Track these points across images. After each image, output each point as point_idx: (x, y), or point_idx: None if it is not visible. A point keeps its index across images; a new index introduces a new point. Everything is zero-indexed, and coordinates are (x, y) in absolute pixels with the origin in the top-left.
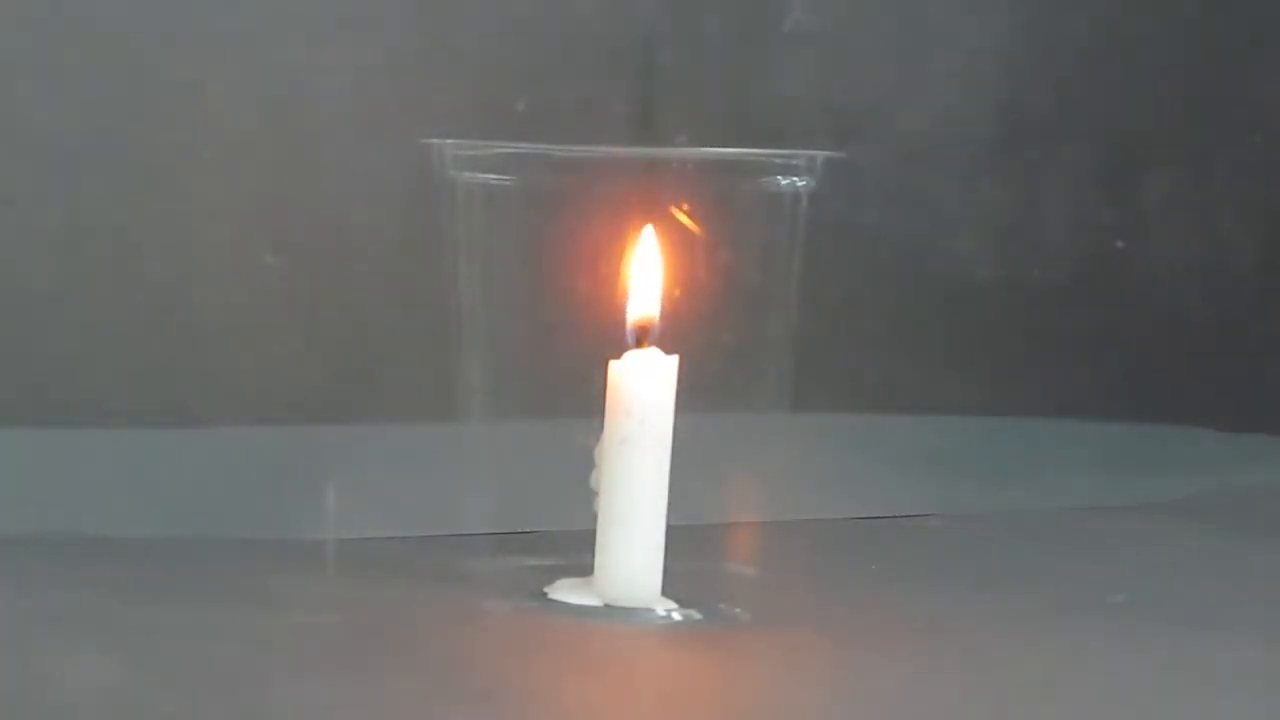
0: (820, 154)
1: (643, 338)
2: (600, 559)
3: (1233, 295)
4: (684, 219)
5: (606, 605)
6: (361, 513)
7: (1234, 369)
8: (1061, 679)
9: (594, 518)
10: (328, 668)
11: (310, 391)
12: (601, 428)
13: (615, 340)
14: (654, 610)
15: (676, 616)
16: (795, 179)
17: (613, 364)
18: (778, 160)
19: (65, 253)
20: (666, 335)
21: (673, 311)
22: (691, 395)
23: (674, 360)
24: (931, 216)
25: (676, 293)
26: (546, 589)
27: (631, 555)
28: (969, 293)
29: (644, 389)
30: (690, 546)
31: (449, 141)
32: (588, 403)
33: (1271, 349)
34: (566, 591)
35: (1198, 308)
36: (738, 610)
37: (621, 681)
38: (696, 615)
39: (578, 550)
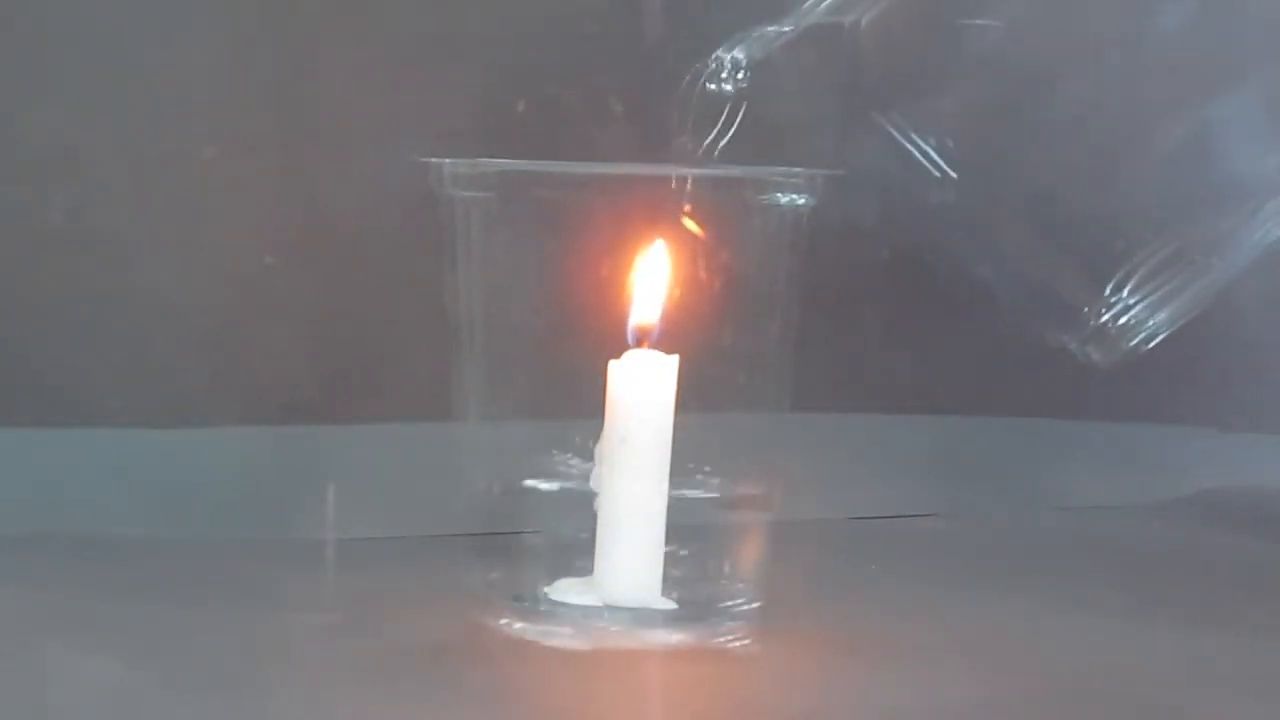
0: (820, 172)
1: (643, 339)
2: (600, 559)
3: (1233, 295)
4: (689, 224)
5: (606, 605)
6: (361, 513)
7: (1234, 369)
8: (1061, 679)
9: (594, 518)
10: (327, 668)
11: (310, 391)
12: (601, 428)
13: (615, 343)
14: (654, 610)
15: (676, 617)
16: (795, 196)
17: (613, 364)
18: (778, 178)
19: (65, 253)
20: (667, 336)
21: (673, 316)
22: (691, 395)
23: (674, 360)
24: (930, 217)
25: (677, 294)
26: (546, 589)
27: (632, 555)
28: (969, 293)
29: (644, 389)
30: (690, 546)
31: (446, 161)
32: (587, 403)
33: (1271, 349)
34: (566, 591)
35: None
36: (737, 610)
37: (621, 682)
38: (696, 615)
39: (578, 550)
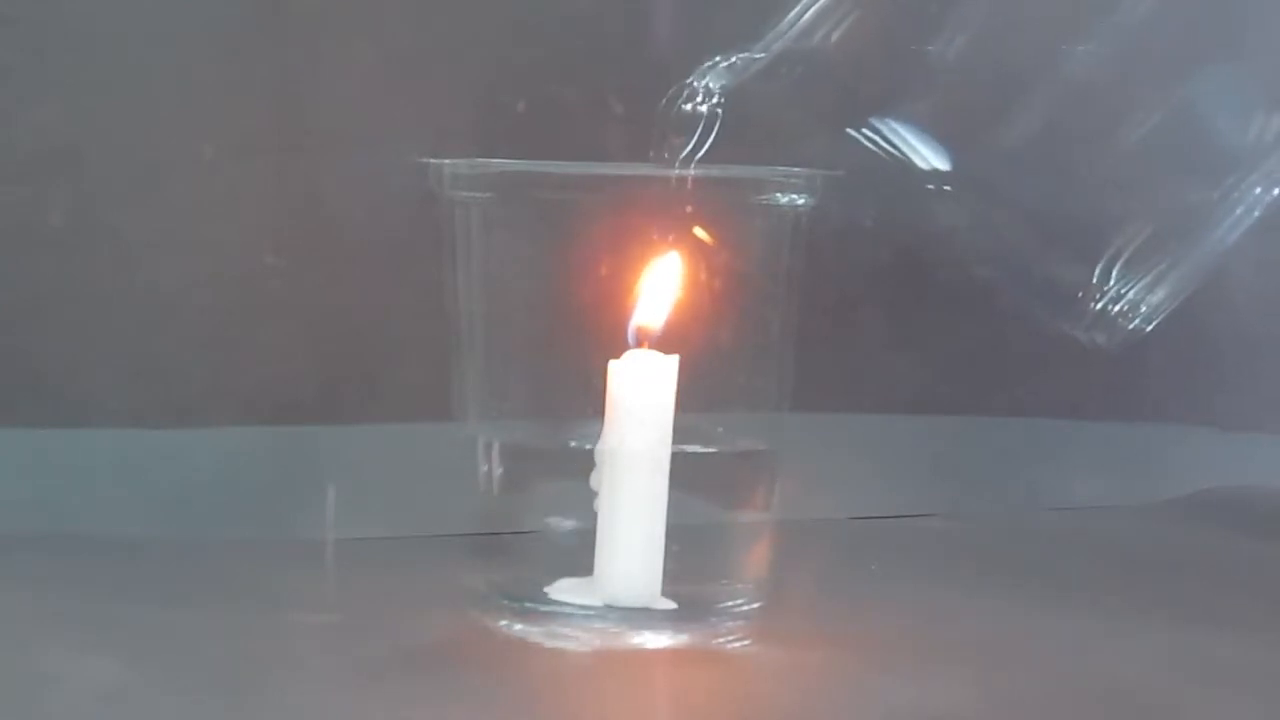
0: (820, 173)
1: (643, 339)
2: (600, 559)
3: (1233, 295)
4: (699, 232)
5: (606, 605)
6: (361, 513)
7: (1233, 368)
8: (1060, 679)
9: (594, 517)
10: (327, 668)
11: (309, 391)
12: (601, 428)
13: (616, 343)
14: (654, 610)
15: (676, 617)
16: (795, 196)
17: (612, 364)
18: (777, 178)
19: (65, 253)
20: (667, 336)
21: (674, 316)
22: (691, 395)
23: (674, 360)
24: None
25: (678, 295)
26: (546, 589)
27: (631, 555)
28: (969, 293)
29: (644, 389)
30: (690, 546)
31: (446, 161)
32: (588, 403)
33: (1271, 349)
34: (566, 591)
35: (1198, 308)
36: (737, 610)
37: (621, 682)
38: (696, 615)
39: (578, 550)
